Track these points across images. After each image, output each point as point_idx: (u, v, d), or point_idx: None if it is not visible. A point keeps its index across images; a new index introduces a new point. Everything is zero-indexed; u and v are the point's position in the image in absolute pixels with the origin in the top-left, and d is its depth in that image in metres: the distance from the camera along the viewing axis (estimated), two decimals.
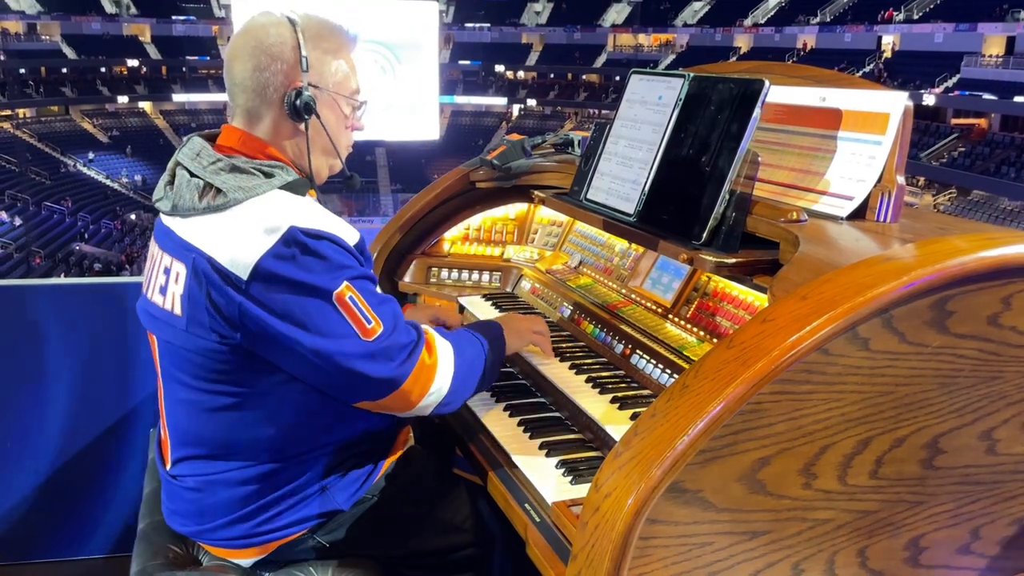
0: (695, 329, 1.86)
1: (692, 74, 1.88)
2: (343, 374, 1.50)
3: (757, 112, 1.67)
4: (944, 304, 1.27)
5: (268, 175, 1.55)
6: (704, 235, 1.68)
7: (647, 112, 1.97)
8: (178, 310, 1.54)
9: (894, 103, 1.61)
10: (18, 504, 2.76)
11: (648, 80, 2.02)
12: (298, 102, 1.61)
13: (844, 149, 1.69)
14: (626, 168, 1.98)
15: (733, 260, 1.60)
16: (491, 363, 1.75)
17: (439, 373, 1.60)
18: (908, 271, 1.24)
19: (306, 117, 1.62)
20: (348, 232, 1.56)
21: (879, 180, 1.61)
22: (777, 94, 1.82)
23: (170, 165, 1.64)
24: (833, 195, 1.67)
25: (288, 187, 1.57)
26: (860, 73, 30.83)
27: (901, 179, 1.60)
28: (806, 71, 1.92)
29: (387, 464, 1.77)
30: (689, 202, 1.75)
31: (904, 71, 31.92)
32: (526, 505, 1.54)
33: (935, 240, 1.34)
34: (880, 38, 34.84)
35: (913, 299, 1.24)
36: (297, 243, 1.46)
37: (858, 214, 1.62)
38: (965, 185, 27.74)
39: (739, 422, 1.19)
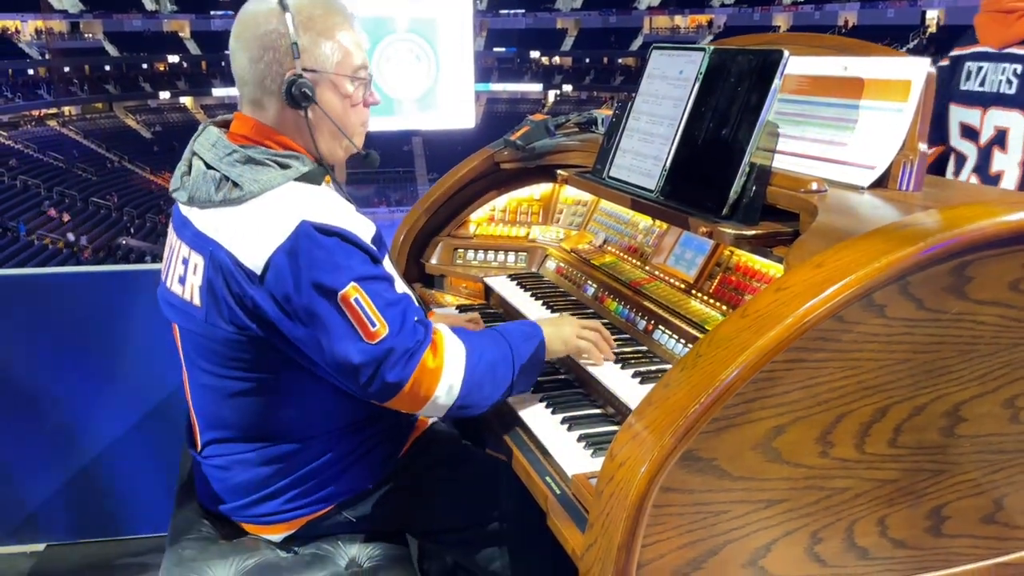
0: (718, 304, 1.86)
1: (712, 47, 1.87)
2: (345, 375, 1.51)
3: (776, 83, 1.66)
4: (963, 270, 1.25)
5: (284, 166, 1.56)
6: (725, 208, 1.67)
7: (668, 87, 1.96)
8: (197, 301, 1.57)
9: (916, 70, 1.59)
10: (58, 486, 2.86)
11: (669, 55, 2.01)
12: (294, 91, 1.57)
13: (865, 118, 1.67)
14: (647, 144, 1.97)
15: (752, 232, 1.59)
16: (523, 367, 1.67)
17: (444, 376, 1.55)
18: (925, 237, 1.22)
19: (304, 105, 1.59)
20: (361, 226, 1.55)
21: (901, 148, 1.58)
22: (799, 65, 1.79)
23: (186, 154, 1.65)
24: (854, 165, 1.65)
25: (304, 178, 1.57)
26: (904, 49, 30.15)
27: (924, 147, 1.57)
28: (828, 40, 1.90)
29: (410, 441, 1.79)
30: (709, 176, 1.74)
31: (950, 46, 31.06)
32: (547, 478, 1.55)
33: (953, 206, 1.32)
34: (924, 12, 34.05)
35: (930, 265, 1.23)
36: (308, 238, 1.47)
37: (880, 183, 1.60)
38: None
39: (752, 390, 1.18)
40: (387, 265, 1.64)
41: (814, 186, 1.57)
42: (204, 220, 1.57)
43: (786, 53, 1.65)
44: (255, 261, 1.48)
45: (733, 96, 1.75)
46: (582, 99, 44.66)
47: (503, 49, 46.92)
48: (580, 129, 2.52)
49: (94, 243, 26.57)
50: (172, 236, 1.69)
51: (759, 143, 1.67)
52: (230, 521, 1.75)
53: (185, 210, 1.63)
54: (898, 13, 34.53)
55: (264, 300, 1.49)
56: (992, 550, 1.41)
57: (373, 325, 1.49)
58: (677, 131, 1.88)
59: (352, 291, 1.48)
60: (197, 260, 1.57)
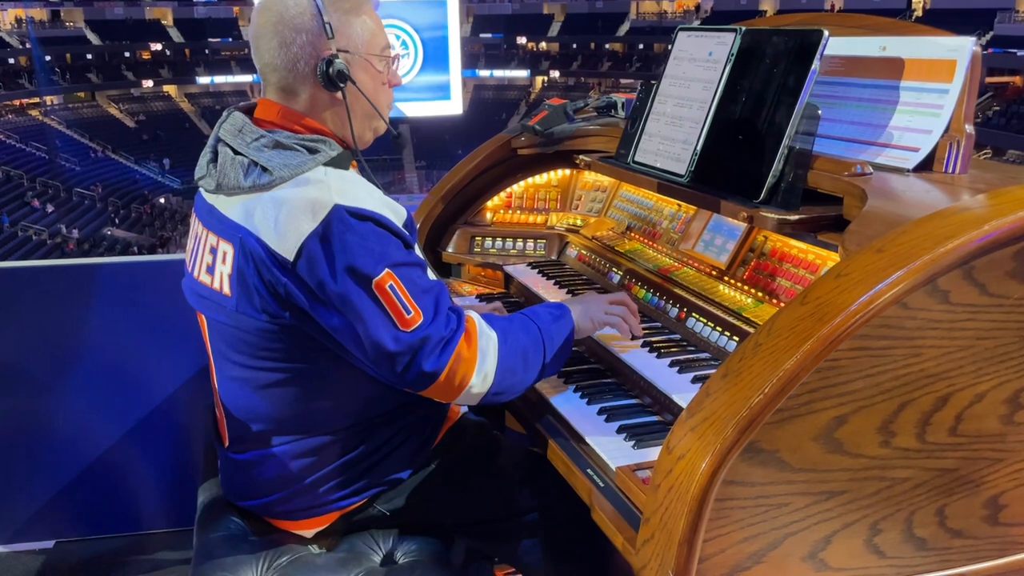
0: (752, 290, 1.82)
1: (744, 28, 1.83)
2: (380, 363, 1.47)
3: (816, 64, 1.62)
4: None
5: (312, 151, 1.52)
6: (763, 193, 1.64)
7: (697, 69, 1.92)
8: (227, 290, 1.52)
9: (961, 49, 1.55)
10: (78, 480, 2.81)
11: (697, 36, 1.96)
12: (331, 71, 1.54)
13: (907, 99, 1.63)
14: (676, 128, 1.93)
15: (796, 217, 1.56)
16: (554, 349, 1.65)
17: (479, 365, 1.53)
18: (988, 220, 1.19)
19: (341, 85, 1.56)
20: (394, 210, 1.52)
21: (946, 130, 1.55)
22: (833, 45, 1.75)
23: (211, 141, 1.61)
24: (898, 147, 1.62)
25: (332, 162, 1.53)
26: None
27: (970, 128, 1.54)
28: (862, 20, 1.86)
29: (442, 433, 1.76)
30: (745, 160, 1.71)
31: (936, 28, 31.20)
32: (588, 471, 1.51)
33: (1013, 188, 1.29)
34: None
35: (994, 249, 1.20)
36: (342, 223, 1.43)
37: (925, 166, 1.57)
38: (1000, 144, 27.16)
39: (816, 380, 1.15)
40: (418, 251, 1.60)
41: (859, 169, 1.54)
42: (232, 207, 1.52)
43: (826, 33, 1.62)
44: (287, 248, 1.44)
45: (769, 78, 1.71)
46: (569, 85, 44.52)
47: (490, 35, 46.70)
48: (599, 113, 2.47)
49: (79, 234, 26.34)
50: (197, 225, 1.65)
51: (798, 126, 1.63)
52: (259, 517, 1.71)
53: (211, 198, 1.58)
54: None
55: (297, 287, 1.45)
56: None
57: (408, 312, 1.46)
58: (708, 114, 1.83)
59: (387, 277, 1.45)
60: (226, 248, 1.52)
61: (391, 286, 1.45)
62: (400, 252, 1.49)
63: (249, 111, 1.63)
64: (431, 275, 1.58)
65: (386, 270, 1.45)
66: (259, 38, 1.56)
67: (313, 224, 1.43)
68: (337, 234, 1.43)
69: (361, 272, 1.43)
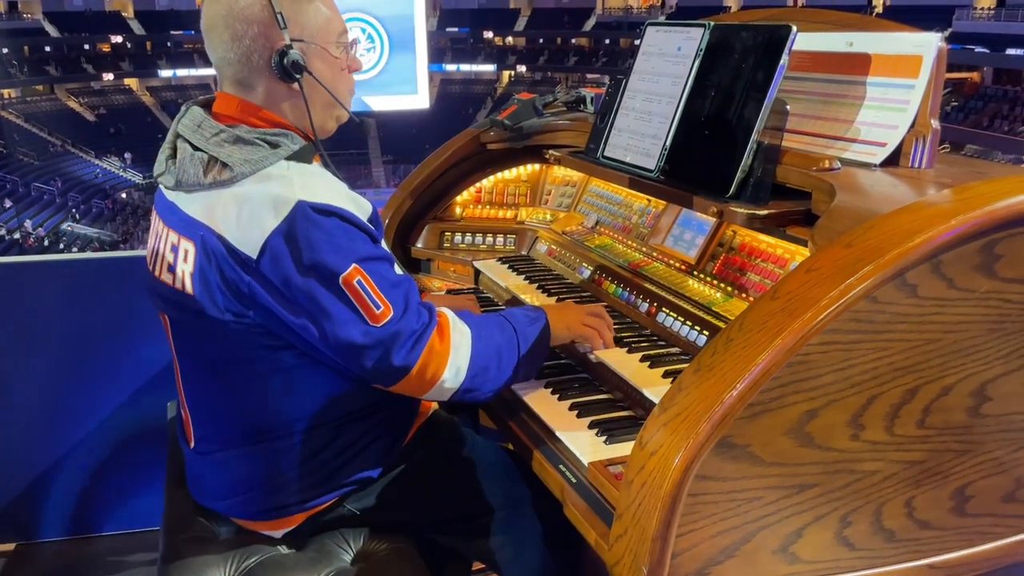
0: (722, 284, 1.83)
1: (712, 23, 1.83)
2: (350, 359, 1.46)
3: (784, 59, 1.63)
4: (992, 248, 1.24)
5: (274, 145, 1.49)
6: (732, 188, 1.64)
7: (665, 64, 1.92)
8: (189, 288, 1.49)
9: (927, 45, 1.57)
10: (40, 482, 2.75)
11: (666, 31, 1.97)
12: (285, 63, 1.50)
13: (874, 95, 1.65)
14: (645, 123, 1.93)
15: (765, 212, 1.57)
16: (528, 352, 1.63)
17: (452, 359, 1.51)
18: (956, 214, 1.20)
19: (298, 76, 1.52)
20: (359, 205, 1.49)
21: (912, 125, 1.57)
22: (800, 41, 1.76)
23: (169, 137, 1.57)
24: (864, 142, 1.63)
25: (295, 156, 1.50)
26: None
27: (936, 123, 1.56)
28: (829, 16, 1.87)
29: (413, 430, 1.74)
30: (714, 155, 1.71)
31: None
32: (561, 466, 1.51)
33: (980, 183, 1.30)
34: None
35: (961, 243, 1.21)
36: (306, 219, 1.40)
37: (891, 161, 1.58)
38: (959, 140, 27.66)
39: (787, 374, 1.16)
40: (385, 246, 1.58)
41: (827, 164, 1.55)
42: (193, 204, 1.49)
43: (794, 28, 1.62)
44: (250, 245, 1.41)
45: (737, 73, 1.72)
46: (536, 80, 44.54)
47: (456, 29, 46.55)
48: (568, 108, 2.47)
49: (37, 229, 25.84)
50: (157, 223, 1.61)
51: (767, 121, 1.64)
52: (227, 518, 1.68)
53: (171, 195, 1.55)
54: None
55: (261, 286, 1.42)
56: (1013, 528, 1.41)
57: (377, 307, 1.44)
58: (677, 109, 1.84)
59: (354, 273, 1.42)
60: (187, 246, 1.49)
61: (359, 281, 1.43)
62: (367, 247, 1.47)
63: (208, 105, 1.60)
64: (399, 270, 1.56)
65: (353, 265, 1.43)
66: (211, 31, 1.53)
67: (276, 221, 1.41)
68: (301, 231, 1.40)
69: (327, 269, 1.41)
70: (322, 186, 1.46)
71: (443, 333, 1.52)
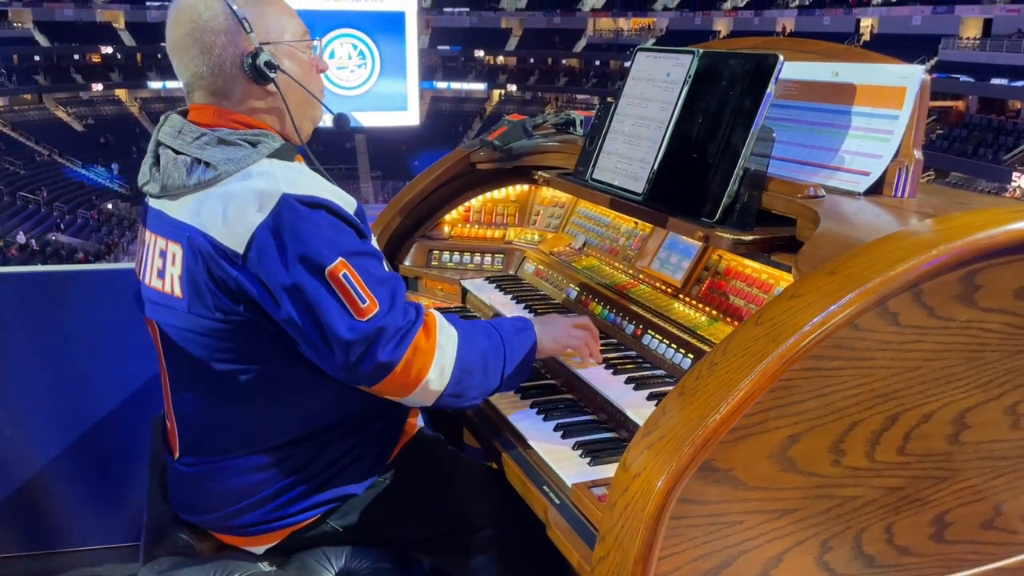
0: (707, 308, 1.85)
1: (701, 50, 1.86)
2: (334, 353, 1.44)
3: (771, 87, 1.65)
4: (972, 278, 1.26)
5: (255, 144, 1.51)
6: (718, 213, 1.66)
7: (654, 90, 1.95)
8: (178, 291, 1.50)
9: (911, 77, 1.60)
10: (19, 494, 2.71)
11: (655, 57, 1.99)
12: (258, 63, 1.53)
13: (859, 124, 1.68)
14: (634, 147, 1.95)
15: (750, 237, 1.59)
16: (515, 362, 1.63)
17: (437, 358, 1.51)
18: (937, 244, 1.23)
19: (272, 76, 1.55)
20: (344, 199, 1.50)
21: (896, 155, 1.59)
22: (787, 70, 1.79)
23: (151, 146, 1.59)
24: (848, 171, 1.66)
25: (276, 154, 1.52)
26: None
27: (919, 154, 1.59)
28: (815, 45, 1.91)
29: (398, 448, 1.74)
30: (701, 180, 1.73)
31: (882, 54, 32.05)
32: (544, 488, 1.51)
33: (961, 214, 1.32)
34: (859, 21, 35.02)
35: (942, 273, 1.23)
36: (292, 211, 1.41)
37: (875, 189, 1.61)
38: (943, 167, 27.93)
39: (770, 399, 1.17)
40: (374, 242, 1.59)
41: (811, 191, 1.57)
42: (179, 207, 1.51)
43: (781, 57, 1.65)
44: (236, 241, 1.42)
45: (725, 100, 1.74)
46: (526, 99, 44.72)
47: (447, 47, 46.74)
48: (557, 130, 2.49)
49: (18, 238, 25.63)
50: (145, 233, 1.62)
51: (753, 148, 1.66)
52: (208, 532, 1.68)
53: (157, 203, 1.57)
54: (834, 21, 35.42)
55: (248, 281, 1.43)
56: (991, 555, 1.43)
57: (363, 302, 1.44)
58: (665, 134, 1.86)
59: (340, 266, 1.43)
60: (175, 249, 1.50)
61: (345, 275, 1.43)
62: (354, 241, 1.48)
63: (185, 114, 1.61)
64: (387, 267, 1.57)
65: (340, 258, 1.43)
66: (179, 51, 1.55)
67: (262, 215, 1.42)
68: (288, 223, 1.41)
69: (314, 261, 1.41)
70: (306, 180, 1.48)
71: (429, 332, 1.52)
